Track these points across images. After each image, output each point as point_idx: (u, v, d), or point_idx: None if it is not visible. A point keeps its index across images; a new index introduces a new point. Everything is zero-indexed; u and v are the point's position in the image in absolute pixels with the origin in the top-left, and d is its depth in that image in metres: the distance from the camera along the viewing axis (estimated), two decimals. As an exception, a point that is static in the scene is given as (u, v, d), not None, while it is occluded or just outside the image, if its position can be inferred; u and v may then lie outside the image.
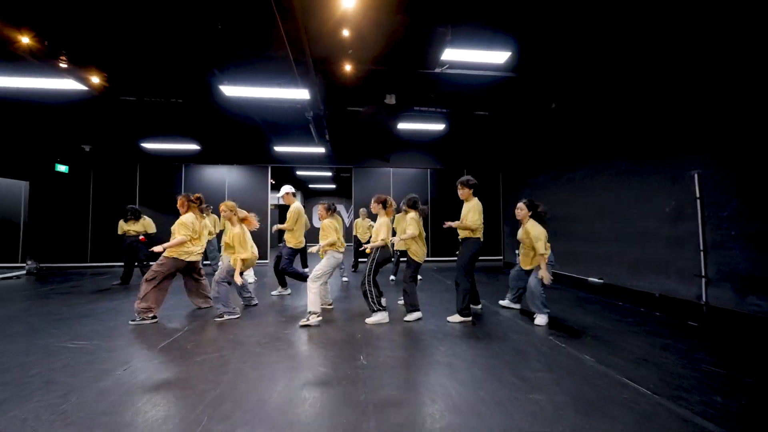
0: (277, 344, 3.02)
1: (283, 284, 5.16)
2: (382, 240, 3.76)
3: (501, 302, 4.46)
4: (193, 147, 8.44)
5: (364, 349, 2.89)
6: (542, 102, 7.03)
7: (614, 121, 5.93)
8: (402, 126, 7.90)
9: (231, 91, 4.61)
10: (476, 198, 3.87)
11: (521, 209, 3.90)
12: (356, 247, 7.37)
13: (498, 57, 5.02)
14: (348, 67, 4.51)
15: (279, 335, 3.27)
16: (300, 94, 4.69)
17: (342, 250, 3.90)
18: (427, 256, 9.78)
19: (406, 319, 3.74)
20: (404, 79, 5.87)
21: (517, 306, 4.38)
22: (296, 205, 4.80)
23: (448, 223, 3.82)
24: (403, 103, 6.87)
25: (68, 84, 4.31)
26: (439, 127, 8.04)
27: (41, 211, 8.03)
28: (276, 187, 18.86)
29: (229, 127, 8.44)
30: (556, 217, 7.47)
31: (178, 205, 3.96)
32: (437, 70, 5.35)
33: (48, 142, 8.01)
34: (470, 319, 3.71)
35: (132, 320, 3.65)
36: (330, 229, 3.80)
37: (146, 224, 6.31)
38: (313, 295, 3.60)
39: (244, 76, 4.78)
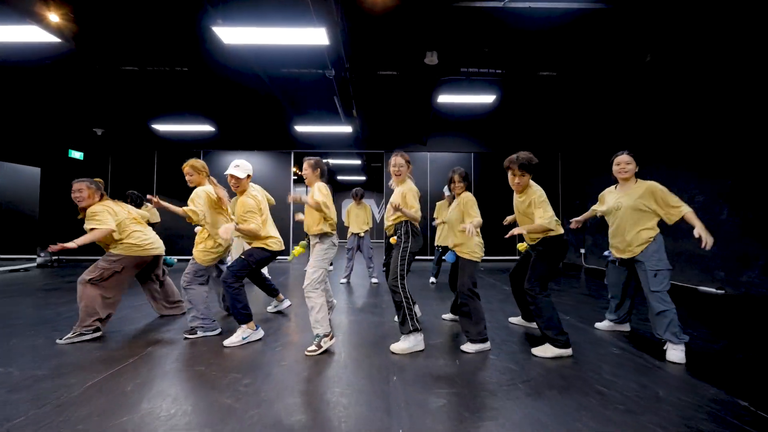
0: (262, 390, 1.86)
1: (272, 293, 3.49)
2: (416, 211, 2.46)
3: (598, 326, 3.03)
4: (209, 129, 7.65)
5: (403, 411, 1.66)
6: (633, 53, 5.35)
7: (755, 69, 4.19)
8: (443, 99, 6.57)
9: (229, 35, 3.55)
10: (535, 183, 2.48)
11: (629, 163, 2.56)
12: (388, 245, 6.19)
13: (588, -24, 3.60)
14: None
15: (269, 371, 2.12)
16: (316, 37, 3.55)
17: (335, 233, 2.61)
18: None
19: (466, 349, 2.44)
20: (452, 22, 4.51)
21: (626, 328, 2.96)
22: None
23: (516, 231, 2.30)
24: (447, 62, 5.52)
25: (37, 34, 3.49)
26: (489, 98, 6.61)
27: (55, 200, 7.61)
28: (301, 178, 17.90)
29: (244, 102, 7.54)
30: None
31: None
32: (499, 4, 3.98)
33: (59, 125, 7.55)
34: (570, 352, 2.35)
35: (60, 338, 2.59)
36: (326, 197, 2.48)
37: (149, 212, 5.52)
38: (318, 309, 2.40)
39: (243, 11, 3.71)
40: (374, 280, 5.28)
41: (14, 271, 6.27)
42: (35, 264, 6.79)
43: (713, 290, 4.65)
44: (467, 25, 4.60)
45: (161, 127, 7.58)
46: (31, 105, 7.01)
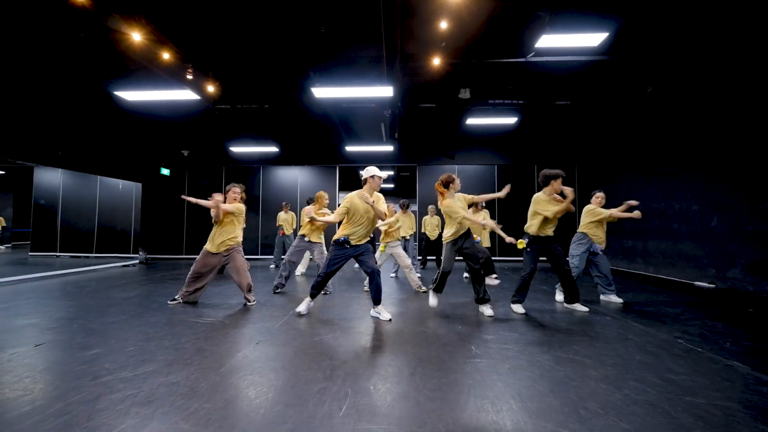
0: (378, 330, 3.10)
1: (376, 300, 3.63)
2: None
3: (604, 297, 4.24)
4: (273, 149, 9.12)
5: (472, 338, 2.85)
6: (636, 86, 6.39)
7: (748, 91, 5.16)
8: (471, 121, 7.76)
9: (321, 92, 4.89)
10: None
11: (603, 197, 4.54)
12: (425, 244, 7.44)
13: (592, 40, 4.71)
14: (436, 61, 4.53)
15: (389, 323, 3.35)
16: (384, 92, 4.82)
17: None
18: (495, 255, 9.50)
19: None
20: (484, 71, 5.72)
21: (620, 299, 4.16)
22: None
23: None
24: (477, 96, 6.71)
25: (185, 95, 4.92)
26: (511, 120, 7.75)
27: (150, 209, 9.27)
28: (343, 188, 19.45)
29: (307, 129, 8.99)
30: (650, 215, 6.75)
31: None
32: (522, 60, 5.15)
33: (156, 149, 9.23)
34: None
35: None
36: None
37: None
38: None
39: (335, 77, 5.04)
40: (416, 275, 6.46)
41: (126, 266, 7.85)
42: (137, 261, 8.38)
43: (706, 285, 5.58)
44: (496, 72, 5.78)
45: (234, 148, 9.10)
46: (139, 134, 8.70)
